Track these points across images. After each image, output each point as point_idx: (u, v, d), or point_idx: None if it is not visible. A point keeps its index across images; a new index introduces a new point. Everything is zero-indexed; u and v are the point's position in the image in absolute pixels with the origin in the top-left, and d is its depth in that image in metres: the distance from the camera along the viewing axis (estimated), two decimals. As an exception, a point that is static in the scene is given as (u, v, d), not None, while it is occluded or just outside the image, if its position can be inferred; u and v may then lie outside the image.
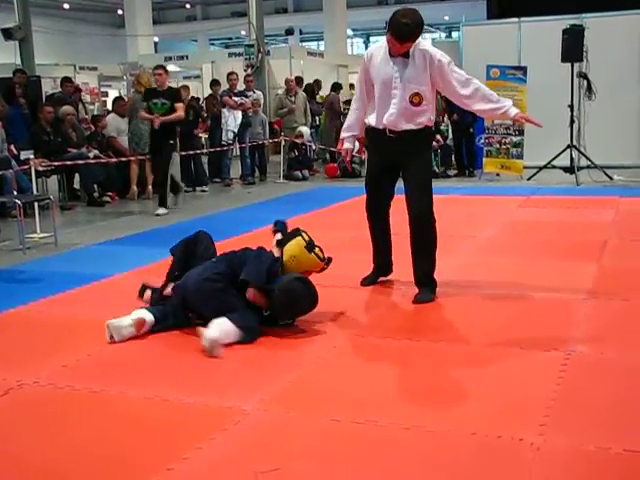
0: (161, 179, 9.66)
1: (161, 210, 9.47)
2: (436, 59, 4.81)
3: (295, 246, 4.63)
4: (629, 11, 13.04)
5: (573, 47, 11.28)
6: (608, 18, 12.96)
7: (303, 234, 4.69)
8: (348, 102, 15.74)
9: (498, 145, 12.39)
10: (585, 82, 11.59)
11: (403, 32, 4.68)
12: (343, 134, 5.38)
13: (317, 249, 4.66)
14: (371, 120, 5.04)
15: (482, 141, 12.59)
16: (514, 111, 4.91)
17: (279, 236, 4.77)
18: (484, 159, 12.49)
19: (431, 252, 5.08)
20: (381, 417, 3.16)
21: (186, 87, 13.04)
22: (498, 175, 12.48)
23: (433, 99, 4.98)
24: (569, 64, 11.41)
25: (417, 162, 4.96)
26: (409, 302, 4.97)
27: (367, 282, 5.44)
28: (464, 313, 4.78)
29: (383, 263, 5.44)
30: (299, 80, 15.29)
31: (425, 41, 4.93)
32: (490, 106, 4.91)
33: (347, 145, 5.34)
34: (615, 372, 3.64)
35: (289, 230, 4.83)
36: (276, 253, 4.62)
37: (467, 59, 13.52)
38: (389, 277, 5.49)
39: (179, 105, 9.62)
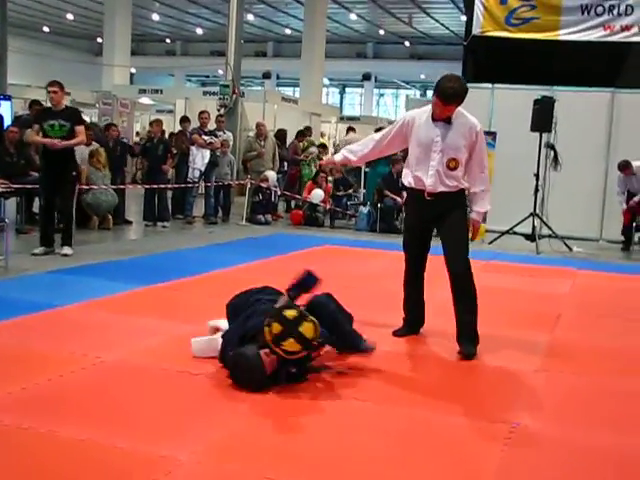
0: (67, 217, 8.61)
1: (67, 249, 8.44)
2: (477, 128, 5.12)
3: (267, 331, 4.15)
4: (599, 88, 13.33)
5: (543, 117, 11.46)
6: (578, 93, 13.22)
7: (278, 322, 4.12)
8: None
9: (462, 207, 12.44)
10: (552, 153, 11.75)
11: (450, 94, 4.91)
12: (342, 151, 5.68)
13: (286, 343, 4.08)
14: (409, 181, 5.27)
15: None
16: (473, 216, 5.28)
17: (282, 301, 4.50)
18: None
19: (476, 304, 5.23)
20: (318, 478, 3.06)
21: (159, 121, 12.96)
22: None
23: (466, 165, 5.19)
24: (538, 134, 11.58)
25: (453, 221, 5.21)
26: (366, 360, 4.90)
27: (400, 334, 5.58)
28: (410, 377, 4.72)
29: (413, 320, 5.61)
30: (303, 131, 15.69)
31: (464, 110, 5.17)
32: (477, 194, 5.23)
33: (337, 157, 5.70)
34: (558, 449, 3.59)
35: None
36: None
37: (439, 119, 13.63)
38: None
39: (80, 129, 8.46)
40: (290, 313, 4.15)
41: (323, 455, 3.34)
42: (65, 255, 8.36)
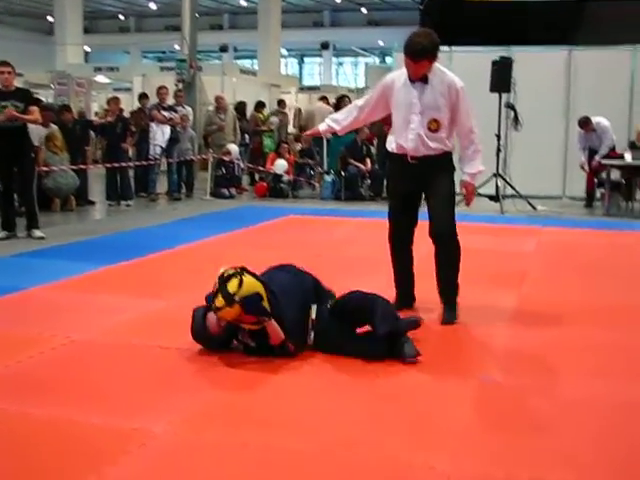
0: (29, 200, 8.48)
1: (38, 232, 8.34)
2: (457, 86, 4.86)
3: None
4: (556, 47, 13.41)
5: (501, 78, 11.51)
6: (536, 53, 13.30)
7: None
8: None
9: (426, 171, 12.48)
10: (512, 113, 11.82)
11: (416, 50, 4.69)
12: (326, 120, 5.42)
13: (216, 300, 4.04)
14: (392, 146, 5.07)
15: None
16: (464, 178, 5.01)
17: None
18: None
19: (457, 268, 5.16)
20: (294, 442, 3.09)
21: (116, 99, 12.79)
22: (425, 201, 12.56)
23: (450, 125, 4.96)
24: (497, 94, 11.62)
25: (438, 184, 4.99)
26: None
27: None
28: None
29: (404, 294, 5.34)
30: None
31: (444, 68, 4.96)
32: (467, 155, 4.98)
33: (321, 127, 5.41)
34: (527, 400, 3.65)
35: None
36: None
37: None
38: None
39: (34, 108, 8.24)
40: (227, 273, 4.11)
41: (299, 421, 3.36)
42: (40, 238, 8.24)
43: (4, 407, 3.43)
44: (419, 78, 4.82)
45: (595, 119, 11.85)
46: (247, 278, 4.08)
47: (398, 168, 5.13)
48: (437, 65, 4.87)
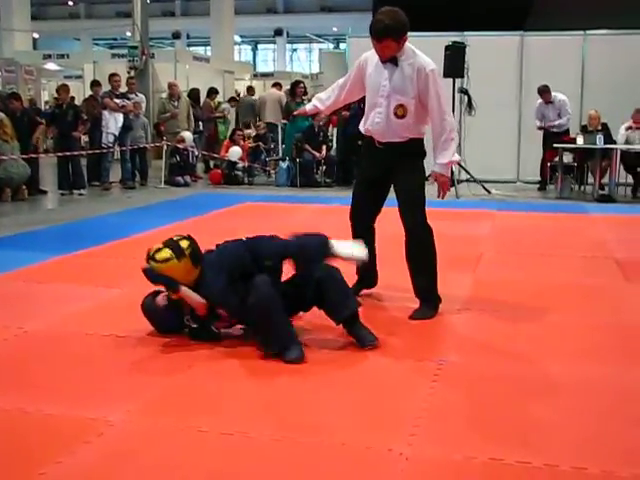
0: None
1: None
2: (426, 69, 4.59)
3: None
4: (508, 32, 13.52)
5: (454, 63, 11.55)
6: (489, 37, 13.39)
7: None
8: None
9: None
10: (466, 98, 11.89)
11: (378, 29, 4.47)
12: (313, 100, 5.37)
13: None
14: (363, 127, 4.93)
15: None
16: (435, 169, 4.80)
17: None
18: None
19: (429, 264, 4.95)
20: (251, 428, 3.09)
21: (65, 86, 12.58)
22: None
23: (422, 112, 4.72)
24: (451, 80, 11.68)
25: (406, 178, 4.82)
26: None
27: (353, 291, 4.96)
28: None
29: (366, 275, 5.23)
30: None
31: (417, 51, 4.70)
32: (438, 145, 4.72)
33: (308, 106, 5.38)
34: (484, 382, 3.68)
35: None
36: None
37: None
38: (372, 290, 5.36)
39: None
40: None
41: (256, 406, 3.36)
42: None
43: (-44, 400, 3.37)
44: (389, 59, 4.62)
45: (554, 93, 12.00)
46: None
47: (367, 151, 5.01)
48: (410, 47, 4.65)
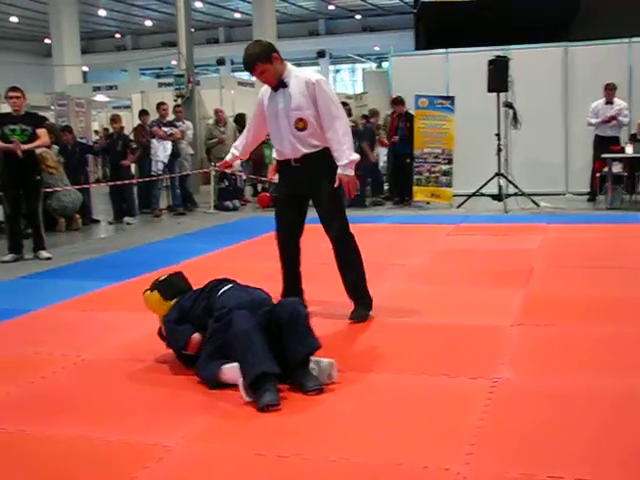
0: (35, 222, 8.55)
1: (45, 253, 8.43)
2: (312, 81, 4.94)
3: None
4: (552, 44, 13.44)
5: (498, 77, 11.53)
6: (532, 50, 13.33)
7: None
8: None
9: (427, 173, 12.54)
10: (511, 111, 11.83)
11: (245, 61, 4.94)
12: (231, 149, 5.67)
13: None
14: (275, 154, 5.27)
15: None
16: (339, 171, 4.94)
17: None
18: (414, 187, 12.62)
19: (356, 266, 5.25)
20: (306, 450, 3.10)
21: (117, 117, 12.86)
22: (428, 203, 12.62)
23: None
24: (495, 94, 11.64)
25: (321, 193, 5.10)
26: (329, 328, 4.94)
27: None
28: (391, 341, 4.76)
29: (290, 288, 5.36)
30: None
31: (299, 68, 5.20)
32: (334, 147, 4.96)
33: (227, 156, 5.66)
34: (540, 398, 3.65)
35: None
36: None
37: (396, 89, 13.73)
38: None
39: (42, 131, 8.44)
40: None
41: (311, 429, 3.38)
42: (47, 259, 8.30)
43: (21, 428, 3.45)
44: (277, 85, 4.97)
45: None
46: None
47: (283, 172, 5.27)
48: (292, 67, 5.06)
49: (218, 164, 6.19)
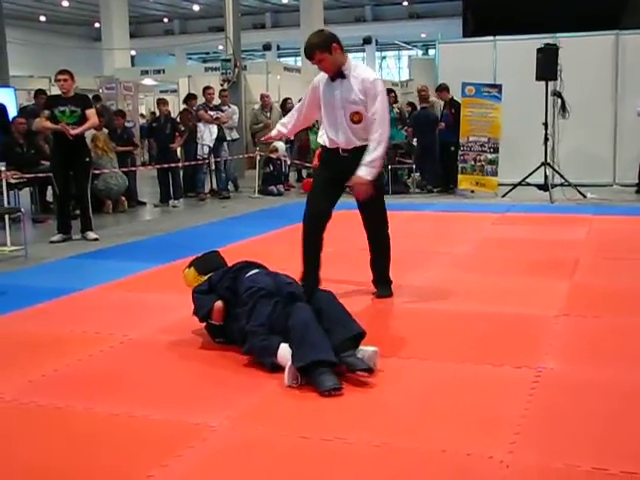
0: (84, 203, 8.67)
1: (92, 234, 8.55)
2: (370, 79, 5.08)
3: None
4: (602, 31, 13.21)
5: (547, 66, 11.38)
6: (582, 38, 13.12)
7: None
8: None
9: (473, 162, 12.44)
10: (559, 100, 11.68)
11: (305, 50, 5.13)
12: (277, 125, 5.86)
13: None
14: (324, 141, 5.32)
15: (457, 158, 12.63)
16: (361, 171, 4.99)
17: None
18: (459, 176, 12.53)
19: (386, 253, 5.47)
20: (350, 434, 3.12)
21: (165, 101, 12.96)
22: (472, 192, 12.53)
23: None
24: (543, 82, 11.50)
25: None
26: (374, 316, 4.95)
27: None
28: (435, 329, 4.76)
29: (312, 280, 5.26)
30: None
31: (360, 64, 5.40)
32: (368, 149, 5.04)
33: (273, 132, 5.86)
34: (584, 389, 3.62)
35: None
36: None
37: (443, 76, 13.62)
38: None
39: (91, 111, 8.59)
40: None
41: (354, 414, 3.39)
42: (95, 240, 8.44)
43: (69, 404, 3.52)
44: (336, 74, 5.09)
45: None
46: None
47: (331, 159, 5.31)
48: (354, 62, 5.22)
49: (264, 137, 6.30)
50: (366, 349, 3.90)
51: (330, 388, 3.56)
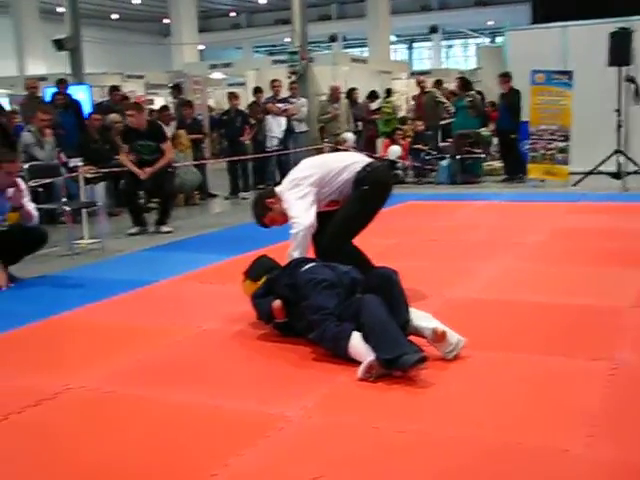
0: (169, 200, 9.12)
1: (167, 227, 8.83)
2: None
3: None
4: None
5: (621, 51, 11.11)
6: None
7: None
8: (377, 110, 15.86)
9: (543, 151, 12.26)
10: (632, 86, 11.40)
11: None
12: None
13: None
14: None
15: (527, 147, 12.47)
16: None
17: None
18: (528, 165, 12.37)
19: None
20: (425, 425, 3.14)
21: (234, 94, 13.11)
22: (543, 181, 12.35)
23: None
24: (616, 68, 11.25)
25: None
26: (442, 307, 4.94)
27: None
28: (507, 320, 4.73)
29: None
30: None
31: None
32: None
33: None
34: (663, 382, 3.57)
35: None
36: None
37: (512, 64, 13.46)
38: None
39: (166, 146, 8.95)
40: None
41: (429, 405, 3.41)
42: (168, 232, 8.66)
43: (148, 393, 3.63)
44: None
45: None
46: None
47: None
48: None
49: None
50: (454, 336, 3.94)
51: (415, 360, 3.59)
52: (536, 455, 2.86)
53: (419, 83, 14.94)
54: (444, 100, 14.59)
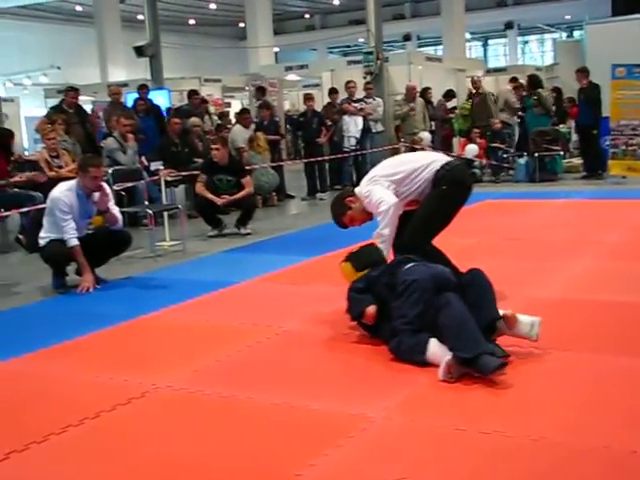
0: (252, 206, 9.20)
1: (245, 228, 8.94)
2: None
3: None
4: None
5: None
6: None
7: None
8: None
9: (624, 147, 11.98)
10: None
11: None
12: None
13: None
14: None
15: (607, 143, 12.21)
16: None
17: None
18: (609, 161, 12.10)
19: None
20: (508, 428, 3.12)
21: (310, 96, 13.21)
22: (624, 178, 12.07)
23: None
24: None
25: None
26: (524, 306, 4.87)
27: None
28: (590, 320, 4.66)
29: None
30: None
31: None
32: None
33: None
34: None
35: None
36: None
37: (591, 59, 13.20)
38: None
39: (246, 181, 9.07)
40: None
41: (512, 407, 3.38)
42: (247, 234, 8.79)
43: (233, 394, 3.69)
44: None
45: None
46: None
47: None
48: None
49: None
50: (529, 319, 3.92)
51: (496, 366, 3.58)
52: (624, 459, 2.81)
53: (474, 83, 14.78)
54: (508, 99, 14.40)
